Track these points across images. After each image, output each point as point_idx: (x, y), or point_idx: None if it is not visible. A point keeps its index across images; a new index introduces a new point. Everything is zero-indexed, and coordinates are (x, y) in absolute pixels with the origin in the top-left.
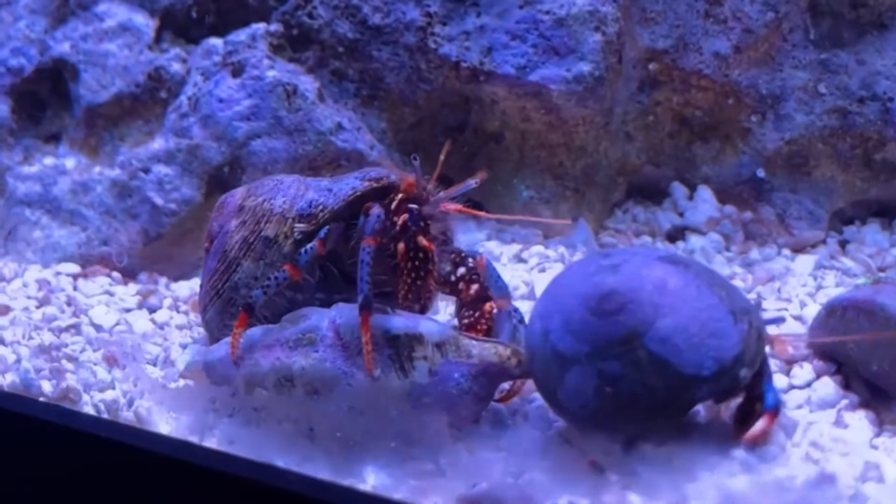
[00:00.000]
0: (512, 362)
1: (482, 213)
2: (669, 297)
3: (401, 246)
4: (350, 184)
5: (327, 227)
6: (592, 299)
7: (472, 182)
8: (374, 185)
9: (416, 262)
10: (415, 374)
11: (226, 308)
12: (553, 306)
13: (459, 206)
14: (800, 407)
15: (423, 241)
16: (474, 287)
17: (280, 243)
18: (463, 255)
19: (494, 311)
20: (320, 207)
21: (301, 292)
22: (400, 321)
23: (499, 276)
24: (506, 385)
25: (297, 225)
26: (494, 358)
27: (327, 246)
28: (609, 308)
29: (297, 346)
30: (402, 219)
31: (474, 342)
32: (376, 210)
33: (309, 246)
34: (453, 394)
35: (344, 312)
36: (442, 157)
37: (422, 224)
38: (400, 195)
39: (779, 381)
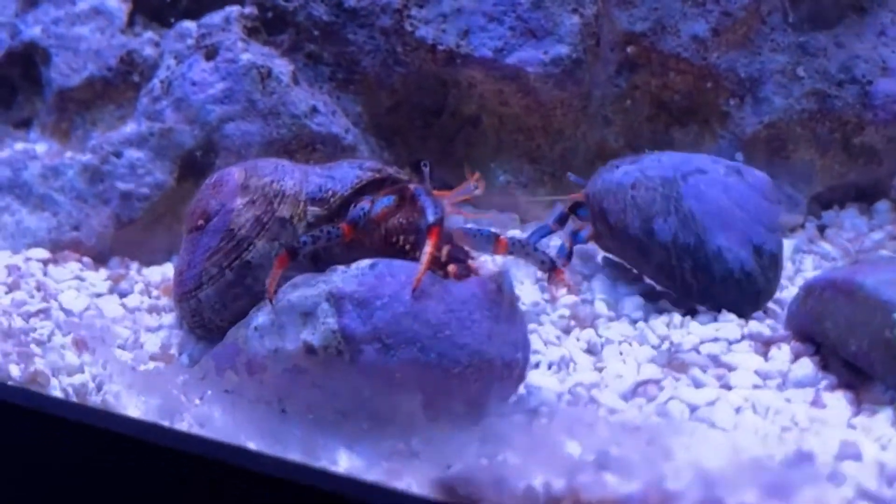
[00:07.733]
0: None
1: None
2: None
3: (445, 250)
4: (353, 172)
5: (369, 196)
6: (769, 192)
7: (472, 186)
8: (376, 175)
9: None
10: None
11: (230, 288)
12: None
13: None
14: (778, 387)
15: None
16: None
17: (295, 225)
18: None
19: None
20: (330, 193)
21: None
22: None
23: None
24: None
25: (310, 208)
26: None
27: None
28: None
29: None
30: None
31: None
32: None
33: (363, 207)
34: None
35: None
36: None
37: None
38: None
39: (757, 362)
